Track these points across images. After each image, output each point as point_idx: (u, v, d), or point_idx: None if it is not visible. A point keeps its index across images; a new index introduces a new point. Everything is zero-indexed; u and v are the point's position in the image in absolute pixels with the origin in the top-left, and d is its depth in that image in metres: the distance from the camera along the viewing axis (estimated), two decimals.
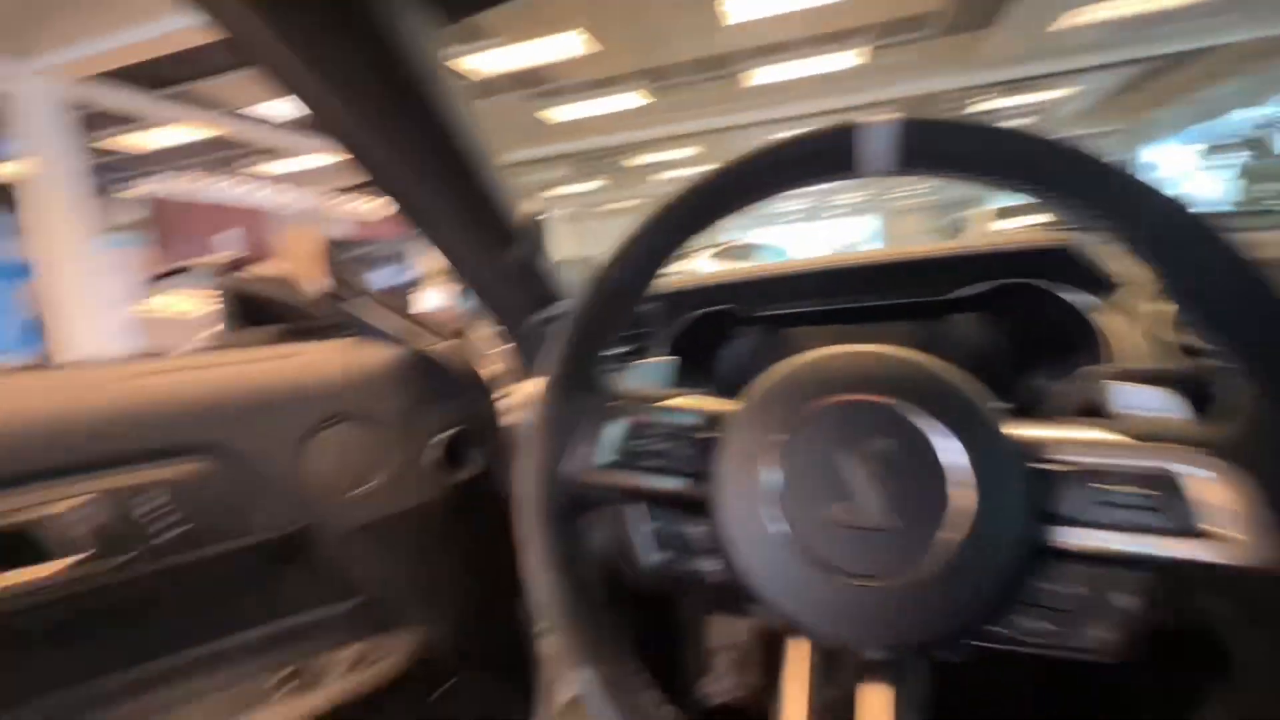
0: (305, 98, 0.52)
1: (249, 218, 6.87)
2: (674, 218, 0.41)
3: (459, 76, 0.55)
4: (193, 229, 6.26)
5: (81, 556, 0.51)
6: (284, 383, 0.64)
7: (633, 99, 6.98)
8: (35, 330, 5.51)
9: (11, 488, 0.49)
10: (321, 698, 0.61)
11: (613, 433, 0.42)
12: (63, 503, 0.50)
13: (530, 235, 0.68)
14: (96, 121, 5.74)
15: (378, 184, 0.60)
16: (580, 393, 0.43)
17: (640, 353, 0.69)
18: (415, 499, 0.70)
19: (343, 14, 0.48)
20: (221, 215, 6.64)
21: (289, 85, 0.51)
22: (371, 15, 0.48)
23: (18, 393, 0.54)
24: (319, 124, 0.54)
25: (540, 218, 0.68)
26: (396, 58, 0.51)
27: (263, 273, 0.84)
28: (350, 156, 0.57)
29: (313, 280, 0.77)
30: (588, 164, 9.89)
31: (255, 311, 0.85)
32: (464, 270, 0.69)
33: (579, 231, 14.76)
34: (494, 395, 0.79)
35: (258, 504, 0.60)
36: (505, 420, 0.79)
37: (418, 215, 0.63)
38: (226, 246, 6.31)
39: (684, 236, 0.42)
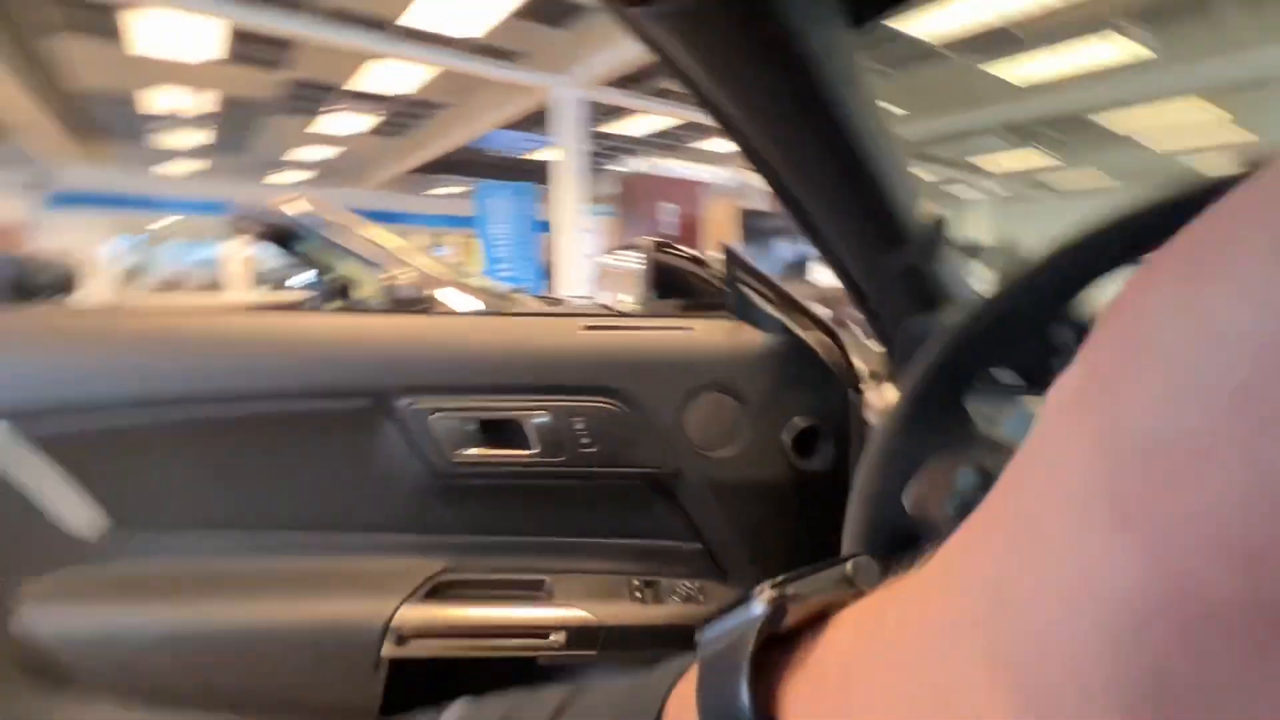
0: (695, 89, 0.55)
1: (690, 190, 8.05)
2: (1153, 221, 0.31)
3: (908, 42, 0.49)
4: (648, 200, 7.68)
5: (534, 450, 0.72)
6: (679, 349, 0.77)
7: (1119, 48, 5.48)
8: (545, 272, 7.72)
9: (505, 393, 0.73)
10: (660, 614, 0.74)
11: (968, 479, 0.37)
12: (531, 411, 0.72)
13: (928, 238, 0.62)
14: (593, 115, 7.50)
15: (760, 173, 0.62)
16: (940, 423, 0.39)
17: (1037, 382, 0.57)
18: (764, 474, 0.76)
19: (747, 16, 0.47)
20: (670, 188, 7.95)
21: (682, 80, 0.55)
22: (776, 15, 0.46)
23: (517, 329, 0.78)
24: (707, 110, 0.57)
25: (943, 219, 0.62)
26: (797, 56, 0.48)
27: (681, 252, 1.00)
28: (738, 148, 0.60)
29: (726, 244, 0.87)
30: (1042, 131, 8.28)
31: (670, 282, 1.02)
32: (841, 266, 0.69)
33: (1016, 214, 12.62)
34: (858, 393, 0.77)
35: (644, 443, 0.74)
36: (865, 420, 0.77)
37: (796, 206, 0.64)
38: (669, 215, 7.56)
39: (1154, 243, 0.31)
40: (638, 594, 0.75)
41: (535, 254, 7.92)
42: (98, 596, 0.67)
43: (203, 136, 8.58)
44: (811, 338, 0.76)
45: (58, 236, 8.29)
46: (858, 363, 0.79)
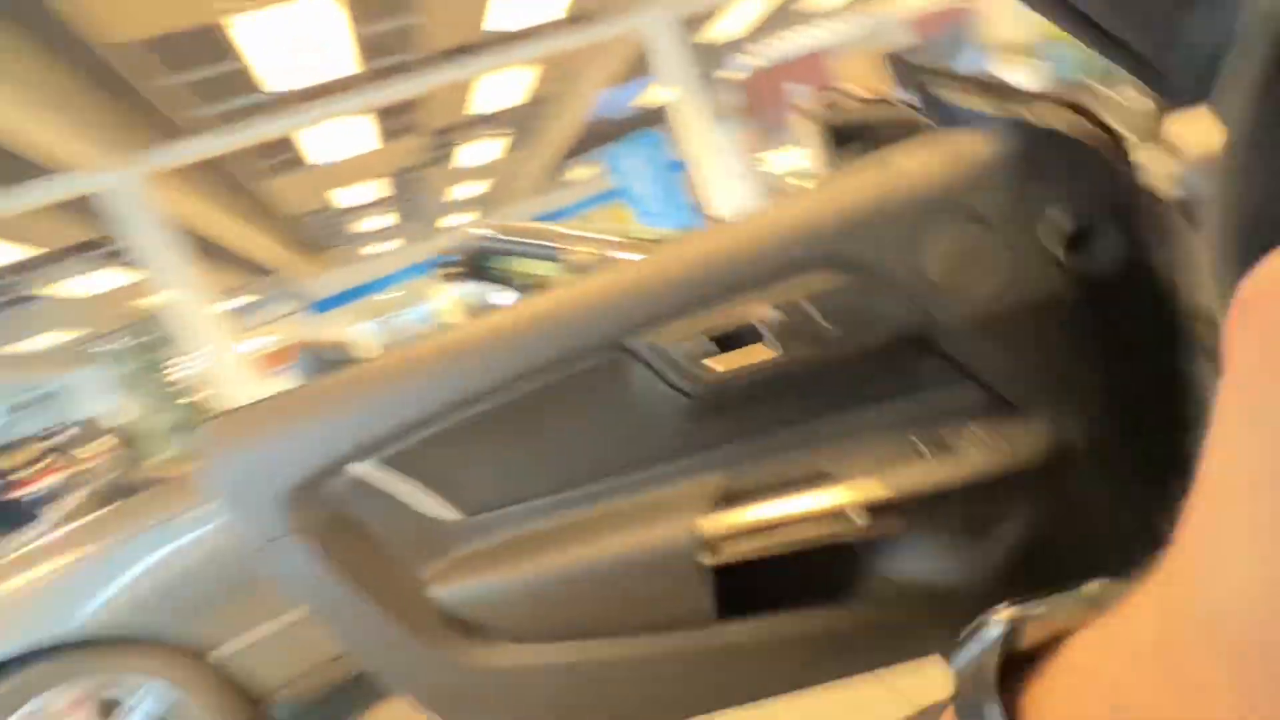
0: None
1: (815, 63, 7.27)
2: None
3: None
4: (775, 92, 7.11)
5: (776, 349, 0.71)
6: (884, 191, 0.69)
7: None
8: (695, 210, 7.62)
9: (731, 301, 0.72)
10: (958, 467, 0.69)
11: None
12: (761, 310, 0.71)
13: None
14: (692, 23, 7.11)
15: None
16: None
17: None
18: (1037, 291, 0.66)
19: None
20: (794, 71, 7.27)
21: None
22: None
23: (721, 239, 0.77)
24: None
25: None
26: None
27: (856, 96, 0.89)
28: None
29: (890, 54, 0.77)
30: None
31: (848, 138, 0.93)
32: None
33: None
34: (1130, 169, 0.63)
35: (887, 304, 0.69)
36: (1147, 188, 0.63)
37: None
38: (798, 97, 6.93)
39: None
40: (925, 453, 0.71)
41: (683, 195, 7.83)
42: (475, 567, 0.83)
43: (389, 217, 10.07)
44: (1055, 118, 0.63)
45: (326, 332, 10.40)
46: (1120, 130, 0.64)
